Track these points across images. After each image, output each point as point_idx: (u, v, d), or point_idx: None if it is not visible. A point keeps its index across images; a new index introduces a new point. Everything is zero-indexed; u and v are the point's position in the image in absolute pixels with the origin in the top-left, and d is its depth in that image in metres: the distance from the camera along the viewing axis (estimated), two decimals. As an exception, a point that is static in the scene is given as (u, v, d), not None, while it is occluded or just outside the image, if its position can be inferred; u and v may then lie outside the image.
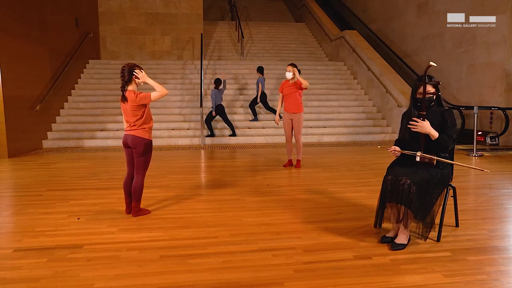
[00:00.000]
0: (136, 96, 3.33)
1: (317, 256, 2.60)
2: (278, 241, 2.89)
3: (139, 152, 3.42)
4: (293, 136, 5.84)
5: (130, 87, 3.40)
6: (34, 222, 3.35)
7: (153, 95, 3.36)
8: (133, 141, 3.40)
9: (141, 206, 3.72)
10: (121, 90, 3.42)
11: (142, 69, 3.44)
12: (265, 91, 9.56)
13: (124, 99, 3.38)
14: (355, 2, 15.00)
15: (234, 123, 9.49)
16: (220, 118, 9.05)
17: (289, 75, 5.58)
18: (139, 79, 3.39)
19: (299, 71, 5.70)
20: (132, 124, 3.41)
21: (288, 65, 5.63)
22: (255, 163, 6.42)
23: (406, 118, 2.92)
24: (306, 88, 5.64)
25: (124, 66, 3.39)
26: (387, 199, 2.74)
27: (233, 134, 8.93)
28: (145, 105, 3.41)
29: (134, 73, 3.37)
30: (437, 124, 2.73)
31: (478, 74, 8.59)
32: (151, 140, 3.50)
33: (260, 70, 9.52)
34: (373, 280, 2.27)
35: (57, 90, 8.88)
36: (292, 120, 5.71)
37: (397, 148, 2.88)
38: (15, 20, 7.30)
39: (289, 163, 5.91)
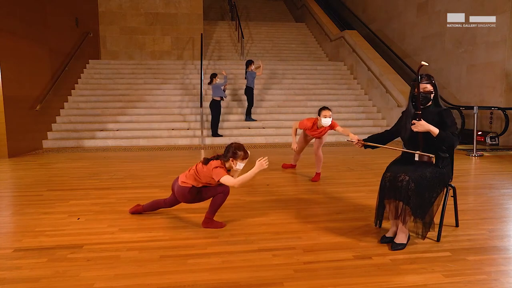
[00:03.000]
0: (212, 170, 3.00)
1: (317, 256, 2.60)
2: (278, 241, 2.89)
3: (190, 200, 3.17)
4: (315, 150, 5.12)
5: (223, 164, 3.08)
6: (34, 222, 3.35)
7: (224, 179, 2.96)
8: (178, 192, 3.17)
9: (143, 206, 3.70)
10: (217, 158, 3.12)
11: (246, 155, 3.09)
12: (256, 86, 9.52)
13: (206, 161, 3.09)
14: (355, 2, 15.01)
15: (233, 123, 9.50)
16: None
17: (327, 121, 4.71)
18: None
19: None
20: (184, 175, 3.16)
21: (327, 108, 4.73)
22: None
23: (405, 116, 2.93)
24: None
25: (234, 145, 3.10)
26: (385, 195, 2.74)
27: (214, 135, 8.80)
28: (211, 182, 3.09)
29: (237, 154, 3.04)
30: (435, 124, 2.73)
31: (478, 74, 8.59)
32: (193, 186, 3.14)
33: (249, 62, 9.45)
34: (373, 280, 2.27)
35: (57, 90, 8.88)
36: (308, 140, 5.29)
37: (360, 140, 3.06)
38: (15, 20, 7.30)
39: (289, 166, 5.82)
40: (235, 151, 3.04)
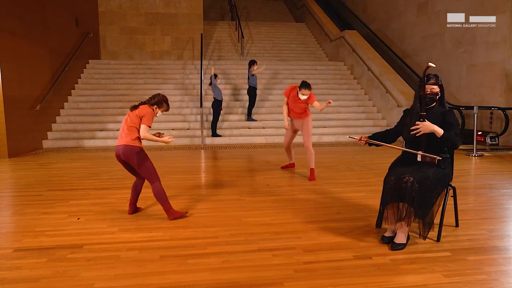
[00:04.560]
0: (145, 111, 3.32)
1: (317, 256, 2.60)
2: (278, 241, 2.89)
3: (136, 162, 3.33)
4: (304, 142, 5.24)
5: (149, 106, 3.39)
6: (34, 222, 3.35)
7: (144, 127, 3.32)
8: (125, 153, 3.33)
9: (142, 207, 3.73)
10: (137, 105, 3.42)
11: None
12: (258, 87, 9.45)
13: (135, 107, 3.38)
14: (355, 2, 15.00)
15: (234, 123, 9.50)
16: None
17: (304, 97, 5.04)
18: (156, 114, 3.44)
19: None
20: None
21: (307, 88, 4.99)
22: (255, 163, 6.42)
23: (408, 116, 2.92)
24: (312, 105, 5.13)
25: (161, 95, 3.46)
26: (389, 198, 2.73)
27: (214, 135, 8.83)
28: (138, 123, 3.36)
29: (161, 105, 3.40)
30: (438, 124, 2.73)
31: (478, 74, 8.59)
32: (141, 148, 3.39)
33: (251, 63, 9.31)
34: (373, 280, 2.27)
35: (57, 90, 8.88)
36: (294, 125, 5.33)
37: (364, 137, 3.02)
38: (15, 20, 7.30)
39: (288, 166, 5.81)
40: (161, 101, 3.41)
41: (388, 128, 3.22)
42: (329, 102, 4.96)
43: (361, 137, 3.03)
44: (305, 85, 5.04)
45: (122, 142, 3.35)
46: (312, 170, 5.07)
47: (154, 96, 3.42)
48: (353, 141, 8.91)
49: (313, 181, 4.90)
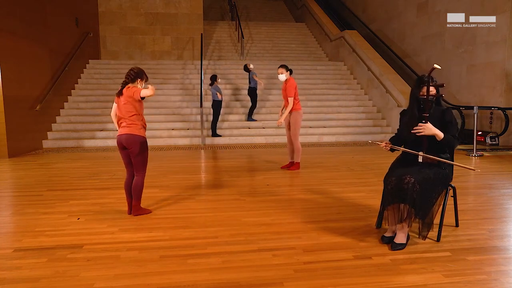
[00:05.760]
0: (133, 90, 3.37)
1: (317, 256, 2.60)
2: (278, 241, 2.89)
3: (137, 151, 3.41)
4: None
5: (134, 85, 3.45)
6: (34, 222, 3.35)
7: (143, 91, 3.36)
8: (128, 140, 3.41)
9: (141, 206, 3.74)
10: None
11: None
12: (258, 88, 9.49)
13: (120, 93, 3.44)
14: (355, 2, 15.01)
15: (234, 123, 9.49)
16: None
17: (282, 77, 5.44)
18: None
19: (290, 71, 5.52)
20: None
21: (281, 67, 5.44)
22: (255, 163, 6.41)
23: (408, 117, 2.91)
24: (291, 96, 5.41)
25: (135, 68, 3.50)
26: (390, 199, 2.73)
27: (214, 135, 8.85)
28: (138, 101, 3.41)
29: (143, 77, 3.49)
30: (438, 123, 2.74)
31: (478, 74, 8.59)
32: (145, 139, 3.51)
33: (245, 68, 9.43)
34: (373, 280, 2.27)
35: (57, 90, 8.88)
36: (289, 120, 5.55)
37: (388, 143, 2.99)
38: (15, 20, 7.30)
39: (289, 165, 5.82)
40: (140, 72, 3.48)
41: (387, 128, 3.22)
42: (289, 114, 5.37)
43: (385, 143, 3.00)
44: (280, 65, 5.47)
45: (126, 131, 3.40)
46: (296, 163, 5.54)
47: (130, 72, 3.44)
48: (352, 141, 8.92)
49: (313, 182, 4.90)
